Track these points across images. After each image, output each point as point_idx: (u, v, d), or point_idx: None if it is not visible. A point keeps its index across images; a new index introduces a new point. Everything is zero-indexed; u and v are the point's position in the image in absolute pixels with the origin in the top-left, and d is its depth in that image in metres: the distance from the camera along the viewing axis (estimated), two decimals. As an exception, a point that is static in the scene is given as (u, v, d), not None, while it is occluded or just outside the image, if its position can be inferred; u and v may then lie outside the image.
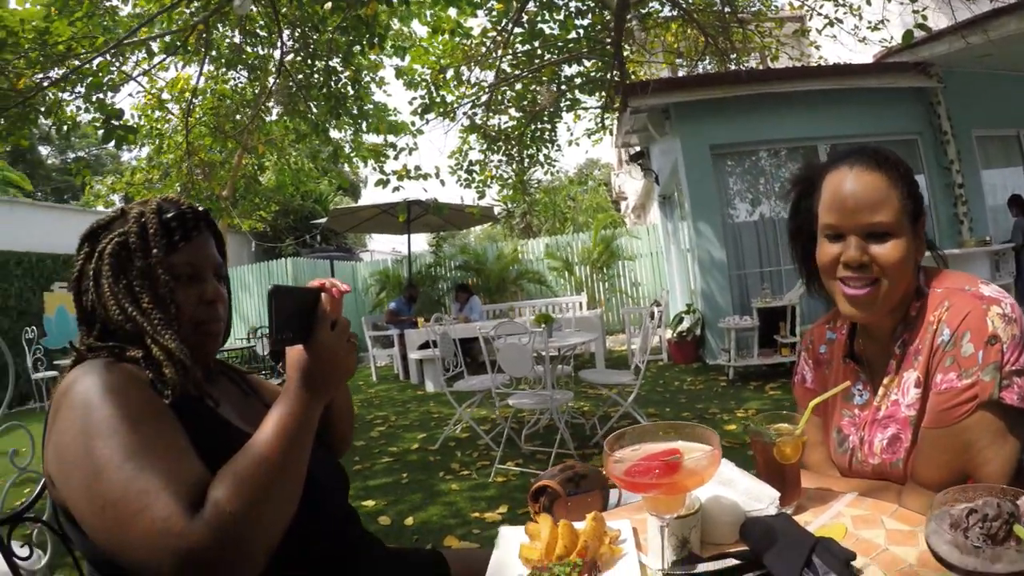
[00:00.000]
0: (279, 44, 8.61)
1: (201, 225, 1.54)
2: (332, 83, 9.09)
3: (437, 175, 10.62)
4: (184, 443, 1.23)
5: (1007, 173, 11.58)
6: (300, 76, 9.02)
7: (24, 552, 2.05)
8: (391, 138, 10.53)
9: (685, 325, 11.06)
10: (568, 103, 11.11)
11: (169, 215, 1.49)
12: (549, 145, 11.90)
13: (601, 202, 30.88)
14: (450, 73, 10.51)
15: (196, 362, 1.43)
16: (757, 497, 1.46)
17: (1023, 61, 10.13)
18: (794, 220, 1.83)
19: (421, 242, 20.58)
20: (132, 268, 1.42)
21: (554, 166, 11.99)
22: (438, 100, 10.50)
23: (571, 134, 21.58)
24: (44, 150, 36.56)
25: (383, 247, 31.78)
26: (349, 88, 9.46)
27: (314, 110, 9.20)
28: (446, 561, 1.80)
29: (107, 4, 7.50)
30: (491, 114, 11.23)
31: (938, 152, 10.55)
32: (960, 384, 1.48)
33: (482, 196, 11.85)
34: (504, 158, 11.75)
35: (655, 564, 1.36)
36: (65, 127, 7.80)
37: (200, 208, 1.56)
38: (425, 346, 10.36)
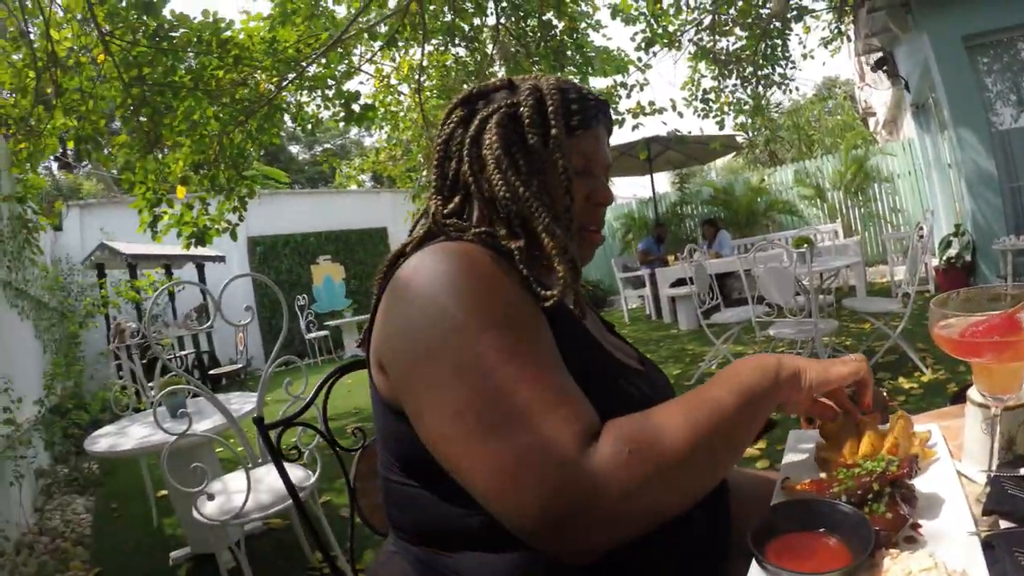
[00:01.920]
0: (490, 10, 8.75)
1: (601, 117, 1.33)
2: (549, 37, 9.05)
3: (674, 108, 10.38)
4: (564, 367, 1.04)
5: None
6: (517, 36, 9.12)
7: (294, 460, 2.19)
8: (619, 78, 10.41)
9: (953, 250, 10.04)
10: (795, 12, 10.38)
11: (572, 95, 1.28)
12: (783, 63, 11.13)
13: (848, 120, 28.87)
14: (667, 1, 10.14)
15: None
16: None
17: None
18: None
19: (663, 183, 20.40)
20: (521, 145, 1.22)
21: (791, 84, 11.27)
22: (660, 32, 10.15)
23: (804, 47, 20.07)
24: (294, 148, 40.21)
25: (624, 192, 31.51)
26: (567, 38, 9.39)
27: (538, 65, 9.24)
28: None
29: (324, 6, 7.94)
30: (717, 37, 10.73)
31: None
32: None
33: (722, 125, 11.35)
34: (738, 82, 11.14)
35: (978, 467, 1.21)
36: (309, 125, 8.37)
37: (602, 97, 1.35)
38: (678, 284, 10.26)
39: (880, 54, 12.65)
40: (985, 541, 0.96)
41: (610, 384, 1.19)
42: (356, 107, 7.52)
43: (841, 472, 1.13)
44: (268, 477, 3.30)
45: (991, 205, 9.31)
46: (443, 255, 1.09)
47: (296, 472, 3.35)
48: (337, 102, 7.65)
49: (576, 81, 1.35)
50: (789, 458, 1.39)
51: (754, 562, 0.97)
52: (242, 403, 3.96)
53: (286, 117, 7.99)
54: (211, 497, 3.07)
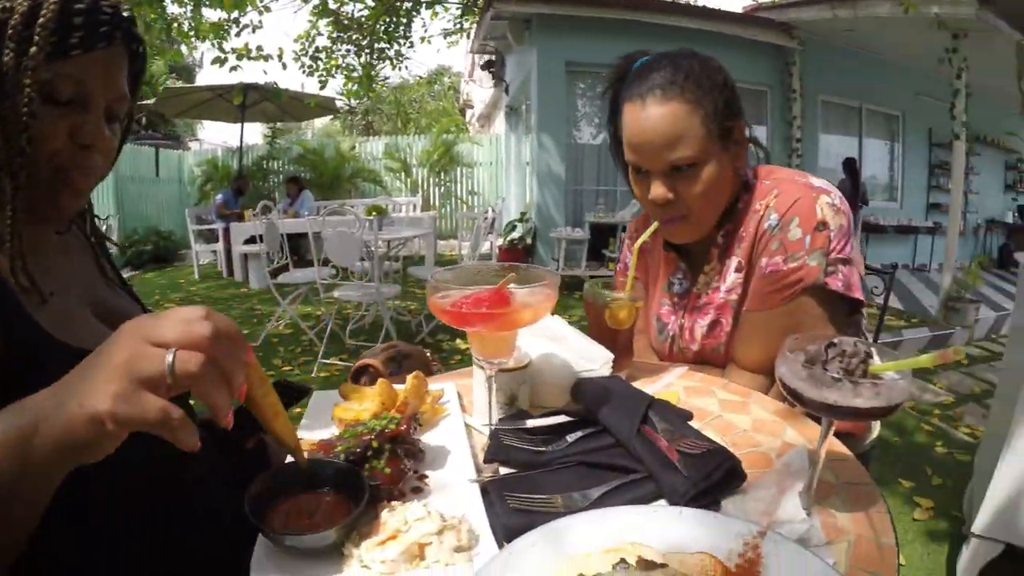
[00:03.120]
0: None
1: (117, 36, 1.03)
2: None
3: (280, 57, 10.07)
4: None
5: (845, 140, 12.57)
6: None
7: None
8: (235, 14, 9.81)
9: (517, 233, 11.18)
10: (429, -2, 10.73)
11: (79, 6, 0.98)
12: (401, 42, 11.47)
13: (447, 107, 30.46)
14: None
15: (36, 225, 1.02)
16: (589, 357, 1.41)
17: (879, 43, 10.83)
18: (611, 124, 1.74)
19: (256, 134, 19.61)
20: None
21: (404, 63, 11.58)
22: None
23: (425, 31, 20.77)
24: None
25: (214, 137, 29.90)
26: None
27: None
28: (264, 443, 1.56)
29: None
30: (345, -1, 10.66)
31: (784, 108, 11.28)
32: (786, 267, 1.49)
33: (324, 86, 11.27)
34: (353, 48, 11.19)
35: (481, 421, 1.30)
36: None
37: (125, 12, 1.05)
38: (252, 241, 9.92)
39: (492, 57, 13.60)
40: (483, 487, 1.03)
41: (54, 378, 0.81)
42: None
43: (345, 431, 1.13)
44: None
45: (555, 200, 10.70)
46: None
47: None
48: None
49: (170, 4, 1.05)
50: (309, 417, 1.36)
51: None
52: None
53: None
54: None
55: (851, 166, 11.29)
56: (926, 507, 3.54)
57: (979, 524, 2.68)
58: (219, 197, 12.38)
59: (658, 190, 1.54)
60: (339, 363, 5.79)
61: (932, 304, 8.90)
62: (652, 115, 1.49)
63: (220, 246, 12.00)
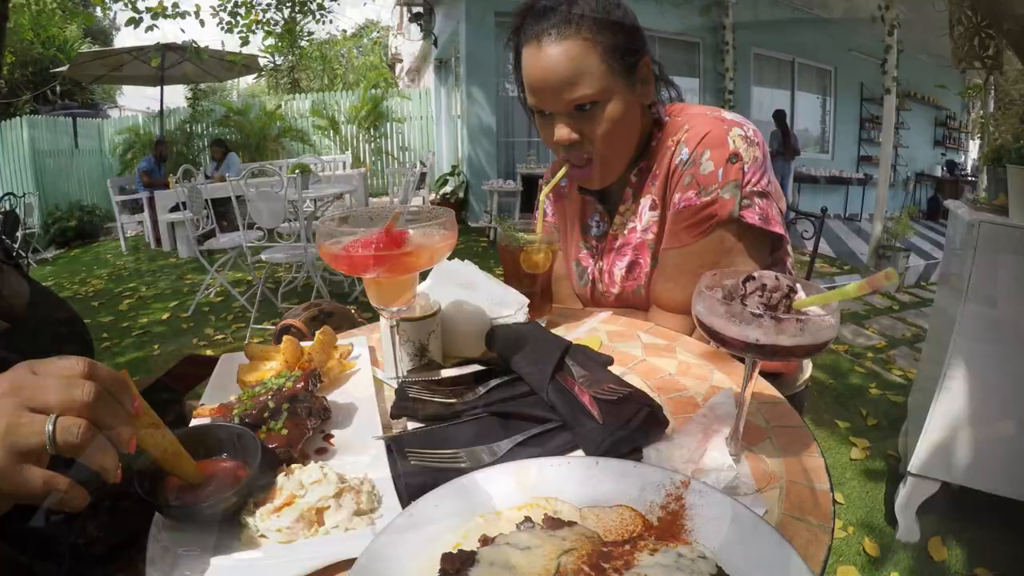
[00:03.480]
0: None
1: None
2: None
3: (197, 14, 9.75)
4: None
5: (777, 94, 12.71)
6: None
7: None
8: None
9: (449, 187, 11.18)
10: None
11: None
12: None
13: (375, 62, 30.07)
14: None
15: None
16: (503, 302, 1.36)
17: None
18: (516, 72, 1.68)
19: (178, 97, 19.00)
20: None
21: (328, 16, 11.27)
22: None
23: (352, -19, 20.32)
24: None
25: (135, 104, 28.67)
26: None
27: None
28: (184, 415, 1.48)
29: None
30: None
31: (716, 60, 11.31)
32: (700, 201, 1.46)
33: (245, 43, 10.96)
34: (273, 1, 10.87)
35: (391, 375, 1.23)
36: None
37: None
38: (178, 208, 9.64)
39: (420, 8, 13.48)
40: (387, 444, 0.97)
41: None
42: None
43: (245, 393, 1.07)
44: None
45: (487, 153, 10.72)
46: None
47: None
48: None
49: None
50: (215, 382, 1.27)
51: None
52: None
53: None
54: None
55: (781, 118, 11.41)
56: (862, 447, 3.62)
57: (915, 463, 2.78)
58: (141, 165, 11.93)
59: (561, 131, 1.51)
60: (272, 328, 5.64)
61: (863, 252, 9.09)
62: (549, 55, 1.45)
63: (146, 216, 11.55)
